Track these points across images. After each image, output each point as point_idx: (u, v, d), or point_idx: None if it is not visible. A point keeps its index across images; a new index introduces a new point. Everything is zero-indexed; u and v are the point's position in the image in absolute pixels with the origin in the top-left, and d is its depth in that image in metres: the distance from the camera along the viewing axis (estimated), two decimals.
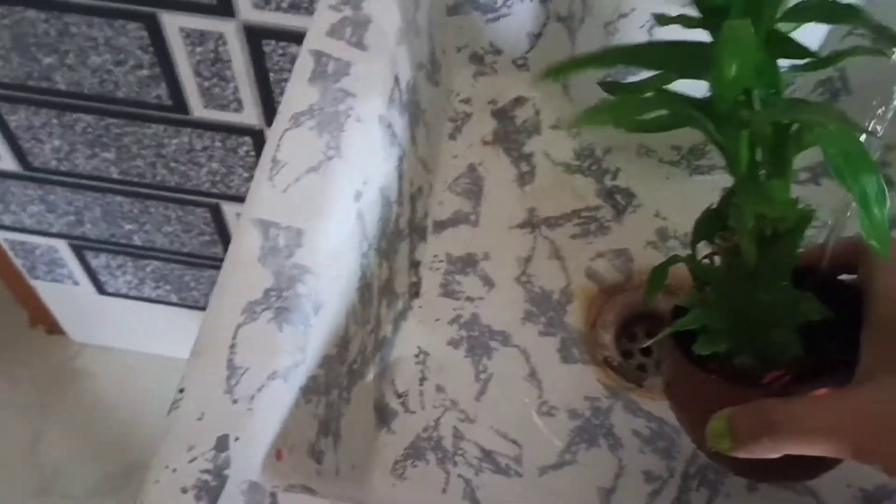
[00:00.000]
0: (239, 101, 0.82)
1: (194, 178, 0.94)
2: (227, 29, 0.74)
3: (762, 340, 0.35)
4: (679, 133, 0.52)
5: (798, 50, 0.33)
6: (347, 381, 0.43)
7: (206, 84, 0.80)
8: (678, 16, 0.35)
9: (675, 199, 0.54)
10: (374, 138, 0.44)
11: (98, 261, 1.15)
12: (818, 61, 0.32)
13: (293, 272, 0.38)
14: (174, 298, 1.20)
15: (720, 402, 0.33)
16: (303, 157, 0.41)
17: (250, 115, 0.83)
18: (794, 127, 0.32)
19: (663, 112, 0.34)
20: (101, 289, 1.22)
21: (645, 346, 0.51)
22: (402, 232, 0.49)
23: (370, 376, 0.46)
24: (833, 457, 0.30)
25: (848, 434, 0.29)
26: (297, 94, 0.43)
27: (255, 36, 0.74)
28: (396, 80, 0.47)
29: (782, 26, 0.32)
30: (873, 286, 0.33)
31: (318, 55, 0.44)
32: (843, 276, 0.37)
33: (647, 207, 0.54)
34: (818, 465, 0.36)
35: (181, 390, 0.37)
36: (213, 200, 0.97)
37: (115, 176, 0.96)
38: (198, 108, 0.84)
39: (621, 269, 0.52)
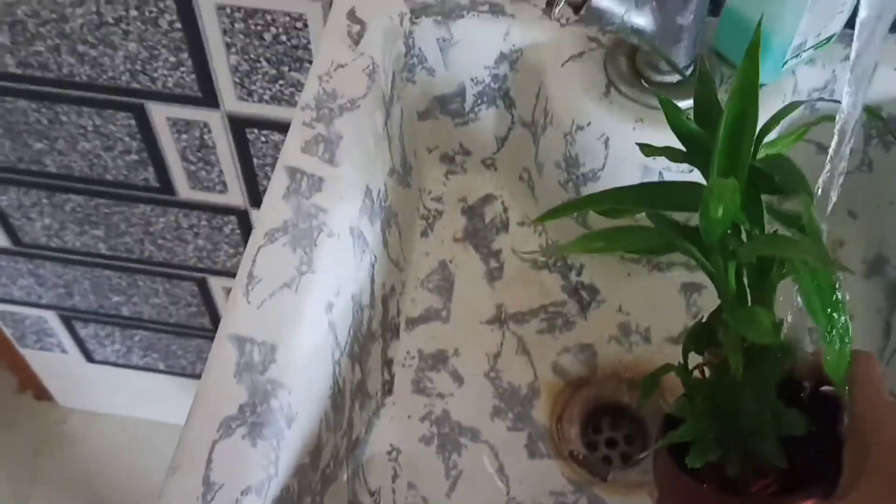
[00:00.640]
0: (224, 184, 0.84)
1: (181, 254, 0.96)
2: (212, 118, 0.77)
3: (749, 451, 0.37)
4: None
5: (774, 187, 0.35)
6: (321, 486, 0.45)
7: (192, 168, 0.83)
8: (664, 147, 0.38)
9: (637, 294, 0.56)
10: (345, 250, 0.46)
11: (87, 330, 1.16)
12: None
13: (267, 387, 0.40)
14: (161, 366, 1.21)
15: None
16: (277, 273, 0.44)
17: (235, 196, 0.85)
18: (777, 259, 0.35)
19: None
20: (89, 357, 1.23)
21: (640, 457, 0.52)
22: (374, 333, 0.51)
23: (343, 477, 0.48)
24: None
25: None
26: (272, 210, 0.46)
27: (238, 125, 0.77)
28: (368, 190, 0.49)
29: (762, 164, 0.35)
30: (852, 403, 0.34)
31: (293, 171, 0.47)
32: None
33: (610, 303, 0.56)
34: None
35: None
36: (200, 275, 0.99)
37: (104, 251, 0.99)
38: (184, 190, 0.86)
39: (586, 364, 0.55)
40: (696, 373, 0.40)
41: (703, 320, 0.40)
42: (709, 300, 0.56)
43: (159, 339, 1.14)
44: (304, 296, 0.43)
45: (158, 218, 0.91)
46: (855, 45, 0.32)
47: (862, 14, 0.31)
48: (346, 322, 0.47)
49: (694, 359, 0.39)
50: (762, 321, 0.34)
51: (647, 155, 0.39)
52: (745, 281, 0.36)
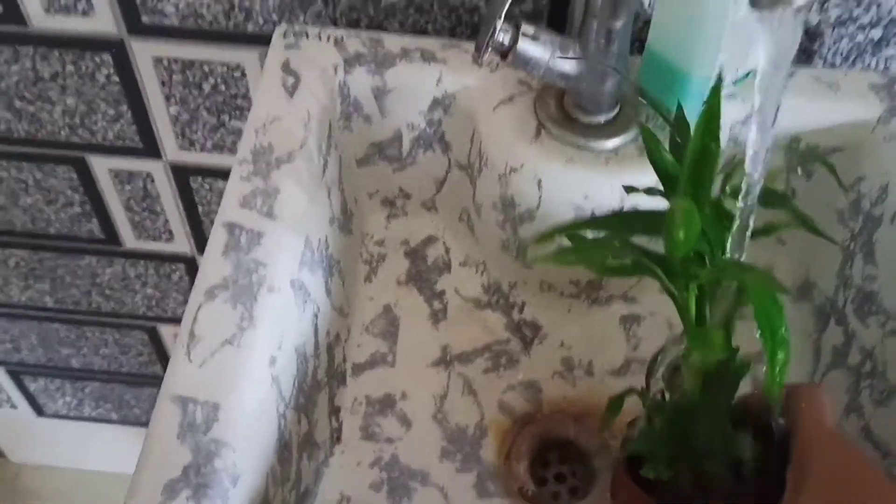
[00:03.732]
0: (170, 232, 0.84)
1: (129, 304, 0.95)
2: (155, 168, 0.77)
3: (700, 471, 0.39)
4: (577, 269, 0.56)
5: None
6: None
7: (137, 218, 0.83)
8: (646, 189, 0.40)
9: (577, 329, 0.57)
10: (286, 303, 0.47)
11: (36, 384, 1.14)
12: (756, 231, 0.37)
13: (211, 447, 0.41)
14: (114, 416, 1.19)
15: None
16: (218, 330, 0.44)
17: (181, 243, 0.85)
18: (736, 285, 0.37)
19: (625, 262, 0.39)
20: (39, 411, 1.21)
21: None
22: (320, 382, 0.52)
23: None
24: None
25: None
26: (212, 267, 0.46)
27: (181, 174, 0.77)
28: (308, 241, 0.50)
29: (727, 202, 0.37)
30: (796, 431, 0.36)
31: (231, 227, 0.48)
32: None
33: (552, 338, 0.57)
34: None
35: None
36: (150, 323, 0.98)
37: (50, 305, 0.97)
38: (130, 240, 0.86)
39: (531, 400, 0.56)
40: (658, 397, 0.42)
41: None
42: (648, 331, 0.58)
43: (111, 390, 1.13)
44: (247, 352, 0.43)
45: (105, 269, 0.90)
46: (756, 94, 0.33)
47: (761, 65, 0.33)
48: (291, 374, 0.47)
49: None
50: (716, 340, 0.36)
51: (628, 193, 0.41)
52: (707, 307, 0.38)
